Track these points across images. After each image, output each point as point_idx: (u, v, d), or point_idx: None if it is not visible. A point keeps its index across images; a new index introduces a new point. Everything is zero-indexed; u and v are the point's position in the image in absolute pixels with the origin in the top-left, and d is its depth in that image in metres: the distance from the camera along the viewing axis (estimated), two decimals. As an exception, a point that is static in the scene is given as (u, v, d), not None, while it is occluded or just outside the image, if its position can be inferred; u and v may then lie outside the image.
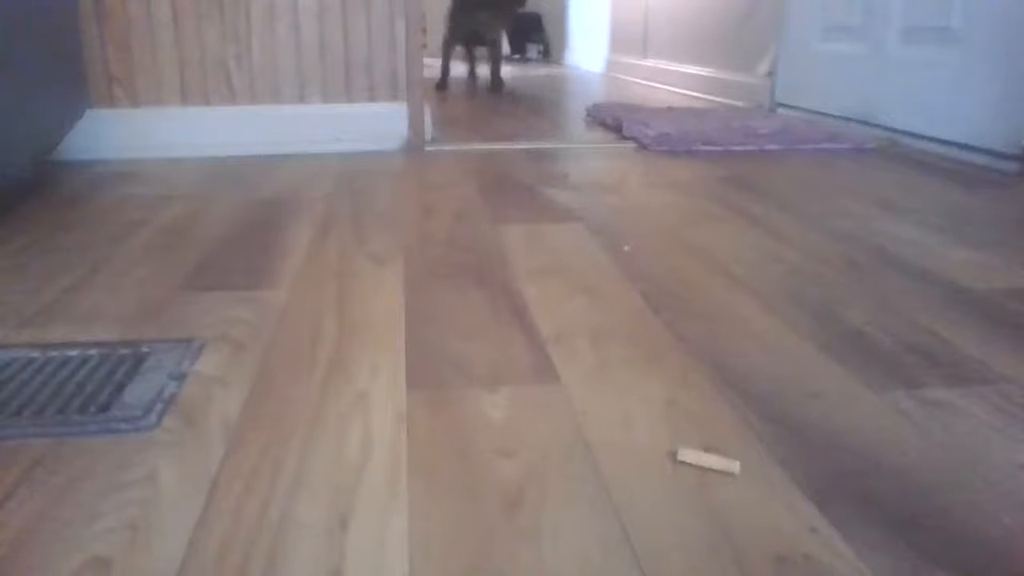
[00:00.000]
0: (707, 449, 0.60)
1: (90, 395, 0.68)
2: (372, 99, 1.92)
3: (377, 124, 1.92)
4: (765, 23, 2.71)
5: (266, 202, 1.40)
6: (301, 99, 1.90)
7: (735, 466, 0.57)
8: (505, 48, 6.14)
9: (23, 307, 0.89)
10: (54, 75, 1.48)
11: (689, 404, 0.68)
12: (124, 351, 0.77)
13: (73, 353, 0.76)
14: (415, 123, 1.94)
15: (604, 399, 0.69)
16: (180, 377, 0.72)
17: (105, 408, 0.66)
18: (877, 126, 2.10)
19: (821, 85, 2.40)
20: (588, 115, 2.53)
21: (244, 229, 1.22)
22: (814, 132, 2.09)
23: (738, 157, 1.87)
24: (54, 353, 0.76)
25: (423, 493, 0.55)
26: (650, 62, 3.90)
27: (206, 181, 1.58)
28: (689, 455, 0.59)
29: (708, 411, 0.67)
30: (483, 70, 3.93)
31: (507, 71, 4.87)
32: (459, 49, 3.78)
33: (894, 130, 2.04)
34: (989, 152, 1.73)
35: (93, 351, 0.77)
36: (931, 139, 1.91)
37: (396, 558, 0.49)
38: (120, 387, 0.70)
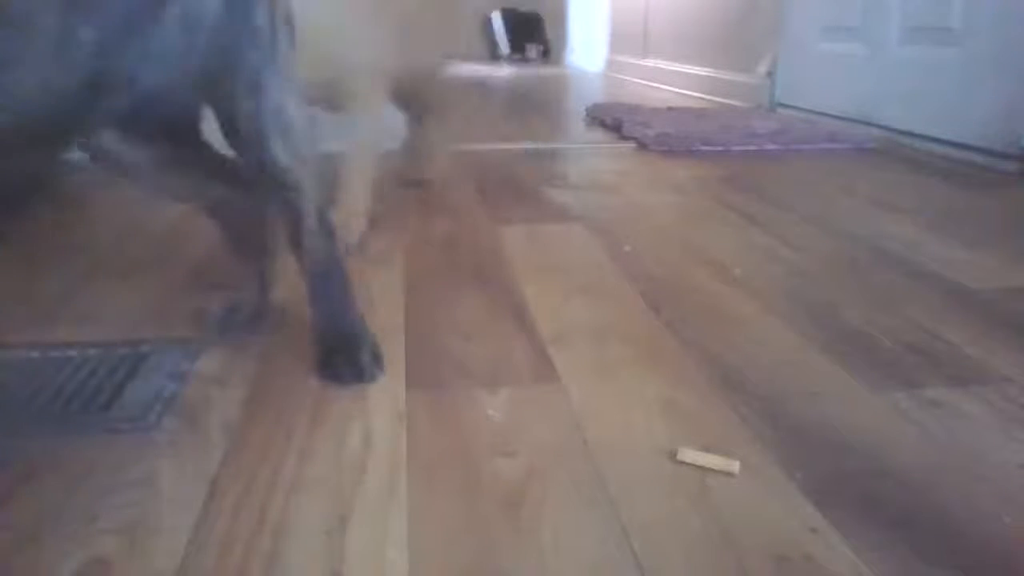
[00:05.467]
0: (707, 449, 0.60)
1: (90, 395, 0.68)
2: (372, 99, 1.92)
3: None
4: (765, 23, 2.71)
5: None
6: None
7: (735, 466, 0.57)
8: (505, 47, 6.11)
9: (23, 307, 0.89)
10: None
11: (689, 404, 0.68)
12: (124, 351, 0.77)
13: (73, 353, 0.76)
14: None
15: (604, 399, 0.69)
16: (180, 377, 0.72)
17: (105, 408, 0.66)
18: (877, 126, 2.10)
19: (821, 85, 2.39)
20: (588, 115, 2.53)
21: (244, 229, 1.22)
22: (814, 132, 2.09)
23: (738, 157, 1.87)
24: (54, 353, 0.76)
25: (423, 493, 0.55)
26: (650, 62, 3.90)
27: (206, 181, 1.58)
28: (689, 455, 0.59)
29: (708, 411, 0.67)
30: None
31: (507, 71, 4.88)
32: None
33: (894, 130, 2.04)
34: (989, 152, 1.73)
35: (93, 351, 0.77)
36: (931, 139, 1.91)
37: (396, 558, 0.49)
38: (120, 387, 0.70)
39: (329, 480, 0.57)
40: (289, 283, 0.95)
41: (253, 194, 0.82)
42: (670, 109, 2.62)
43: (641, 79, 4.00)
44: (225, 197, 0.82)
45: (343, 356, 0.72)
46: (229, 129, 0.70)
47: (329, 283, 0.76)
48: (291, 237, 0.76)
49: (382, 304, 0.90)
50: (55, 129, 0.56)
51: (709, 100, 3.08)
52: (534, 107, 2.89)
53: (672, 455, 0.59)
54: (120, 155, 0.73)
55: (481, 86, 3.80)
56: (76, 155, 0.70)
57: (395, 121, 1.85)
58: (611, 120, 2.28)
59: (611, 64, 4.57)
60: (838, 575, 0.47)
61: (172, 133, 0.75)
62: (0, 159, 0.56)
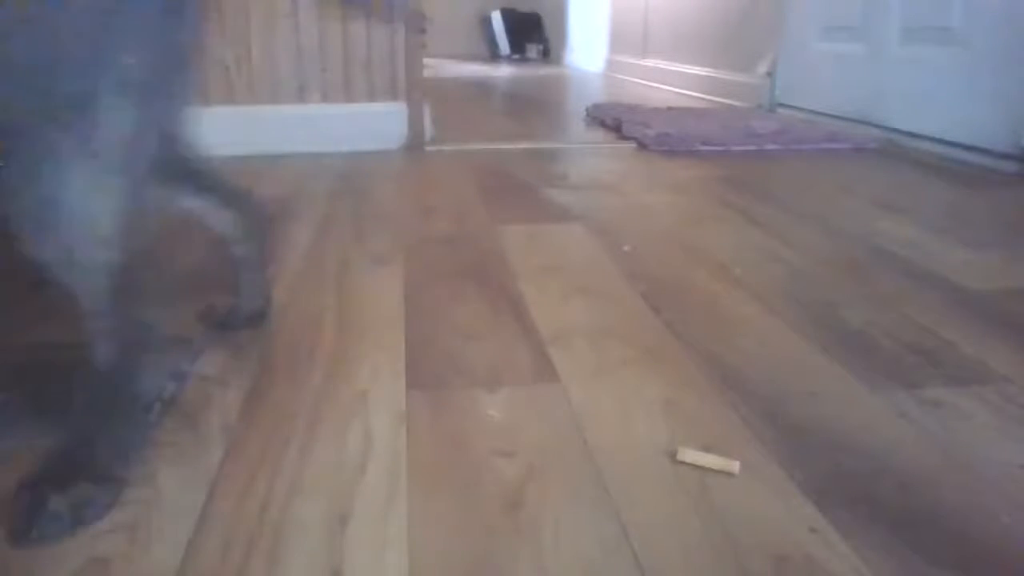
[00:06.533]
0: (707, 449, 0.60)
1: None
2: (372, 99, 1.92)
3: (377, 124, 1.92)
4: (765, 23, 2.71)
5: (265, 202, 1.40)
6: (301, 99, 1.89)
7: (735, 466, 0.57)
8: (505, 47, 6.10)
9: (23, 307, 0.89)
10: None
11: (688, 404, 0.68)
12: (124, 351, 0.77)
13: (73, 353, 0.76)
14: (415, 123, 1.94)
15: (604, 399, 0.68)
16: (180, 377, 0.72)
17: (105, 408, 0.66)
18: (877, 126, 2.10)
19: (821, 85, 2.39)
20: (588, 115, 2.53)
21: (244, 229, 1.22)
22: (814, 132, 2.09)
23: (738, 157, 1.87)
24: (54, 353, 0.76)
25: (423, 493, 0.55)
26: (650, 62, 3.90)
27: (206, 181, 1.58)
28: (688, 455, 0.59)
29: (707, 411, 0.66)
30: None
31: (507, 71, 4.88)
32: None
33: (894, 130, 2.04)
34: (989, 152, 1.73)
35: (93, 351, 0.77)
36: (931, 139, 1.91)
37: (396, 558, 0.49)
38: (120, 387, 0.70)
39: (329, 480, 0.57)
40: (289, 284, 0.95)
41: (227, 208, 0.78)
42: (670, 109, 2.62)
43: (641, 79, 4.00)
44: (196, 209, 0.78)
45: (32, 492, 0.52)
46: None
47: (96, 395, 0.59)
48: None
49: (382, 304, 0.90)
50: None
51: (709, 100, 3.08)
52: (534, 107, 2.89)
53: (672, 455, 0.59)
54: None
55: (481, 86, 3.80)
56: None
57: (395, 122, 1.84)
58: (611, 120, 2.28)
59: (611, 64, 4.57)
60: (838, 575, 0.47)
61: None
62: None
